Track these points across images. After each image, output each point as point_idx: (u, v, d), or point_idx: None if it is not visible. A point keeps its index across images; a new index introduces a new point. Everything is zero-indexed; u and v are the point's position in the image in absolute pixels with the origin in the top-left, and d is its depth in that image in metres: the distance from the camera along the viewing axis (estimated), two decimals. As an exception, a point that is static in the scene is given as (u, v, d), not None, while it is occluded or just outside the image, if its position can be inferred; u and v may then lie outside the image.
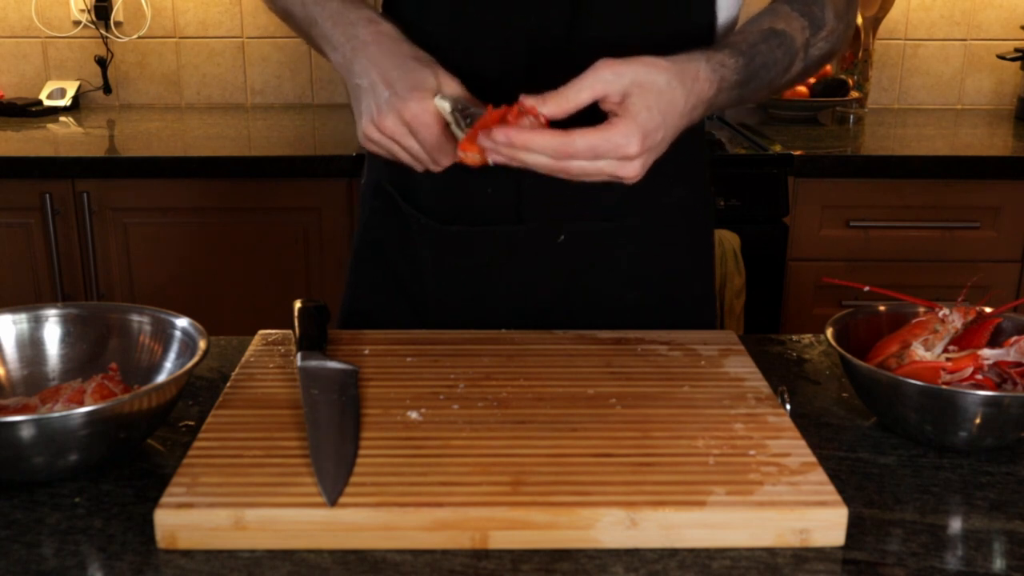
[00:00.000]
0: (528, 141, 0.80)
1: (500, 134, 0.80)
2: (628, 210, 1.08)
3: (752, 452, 0.78)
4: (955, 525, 0.74)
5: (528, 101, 0.82)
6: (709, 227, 1.19)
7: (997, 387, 0.84)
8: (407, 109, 0.87)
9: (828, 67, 2.67)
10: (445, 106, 0.88)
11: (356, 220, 1.28)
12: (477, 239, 1.08)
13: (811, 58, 1.01)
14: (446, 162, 0.90)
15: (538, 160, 0.82)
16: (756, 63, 0.94)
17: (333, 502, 0.69)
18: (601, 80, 0.82)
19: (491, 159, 0.83)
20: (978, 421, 0.81)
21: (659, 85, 0.83)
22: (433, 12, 1.03)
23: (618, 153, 0.81)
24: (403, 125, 0.88)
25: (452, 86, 0.89)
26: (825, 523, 0.70)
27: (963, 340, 0.90)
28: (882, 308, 0.97)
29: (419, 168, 0.92)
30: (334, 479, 0.72)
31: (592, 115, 0.83)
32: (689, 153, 1.09)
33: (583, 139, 0.80)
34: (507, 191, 1.05)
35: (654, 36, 1.01)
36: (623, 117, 0.82)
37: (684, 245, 1.15)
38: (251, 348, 0.97)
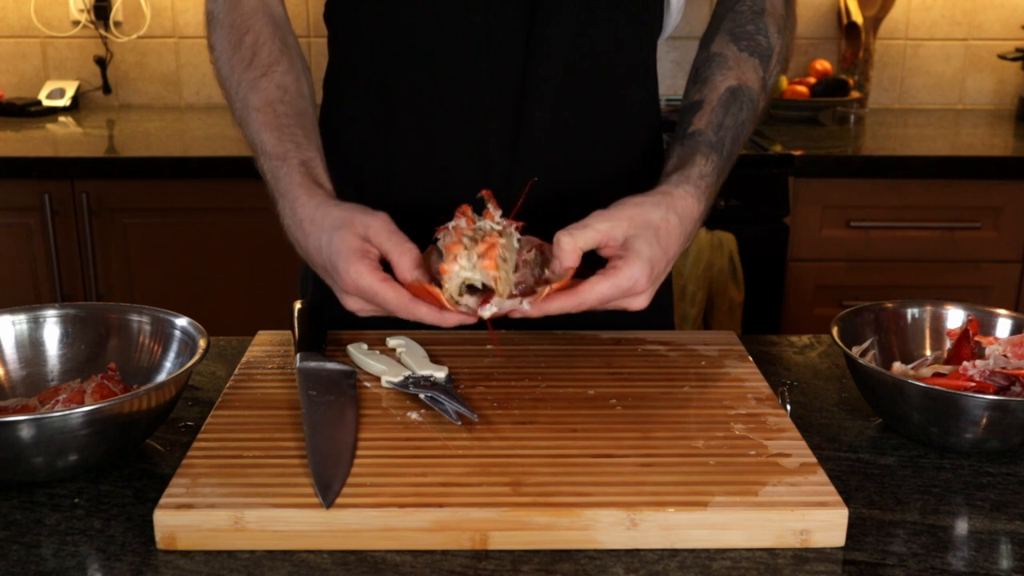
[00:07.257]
0: (546, 309, 0.81)
1: (520, 313, 0.81)
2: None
3: (752, 452, 0.78)
4: (956, 526, 0.74)
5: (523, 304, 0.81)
6: None
7: (1006, 390, 0.84)
8: (349, 281, 0.83)
9: (829, 67, 2.67)
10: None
11: None
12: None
13: (769, 88, 1.02)
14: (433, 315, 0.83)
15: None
16: (728, 146, 0.95)
17: (329, 505, 0.69)
18: (598, 231, 0.83)
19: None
20: (984, 424, 0.81)
21: (655, 222, 0.85)
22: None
23: (627, 294, 0.83)
24: (363, 300, 0.84)
25: (376, 224, 0.85)
26: (826, 524, 0.70)
27: (952, 357, 0.91)
28: (888, 305, 0.97)
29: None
30: (330, 482, 0.72)
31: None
32: (650, 158, 1.11)
33: (592, 292, 0.82)
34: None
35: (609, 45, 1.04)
36: (627, 259, 0.83)
37: None
38: (251, 348, 0.96)
